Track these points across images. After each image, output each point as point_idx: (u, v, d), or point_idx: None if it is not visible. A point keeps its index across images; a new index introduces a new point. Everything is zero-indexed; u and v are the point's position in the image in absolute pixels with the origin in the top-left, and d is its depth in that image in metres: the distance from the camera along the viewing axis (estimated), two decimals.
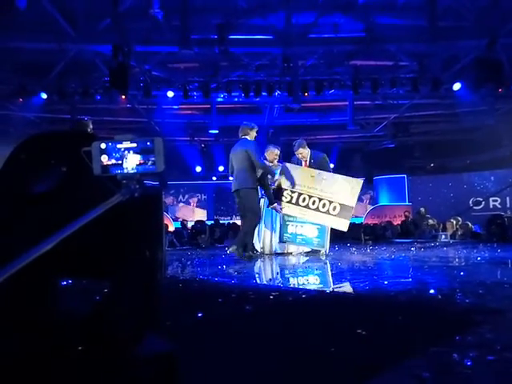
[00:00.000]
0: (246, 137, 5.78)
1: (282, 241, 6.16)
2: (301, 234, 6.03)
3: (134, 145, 1.04)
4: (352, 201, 5.67)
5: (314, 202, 5.85)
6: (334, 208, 5.68)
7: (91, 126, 5.18)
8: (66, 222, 0.96)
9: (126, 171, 1.04)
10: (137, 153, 1.04)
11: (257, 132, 5.93)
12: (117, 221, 1.04)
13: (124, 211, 1.03)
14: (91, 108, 11.98)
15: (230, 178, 6.09)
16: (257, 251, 5.94)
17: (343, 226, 5.73)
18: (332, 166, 9.87)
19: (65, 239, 1.00)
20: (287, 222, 6.21)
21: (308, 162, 6.18)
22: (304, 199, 5.92)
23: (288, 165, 6.18)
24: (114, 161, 1.04)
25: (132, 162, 1.04)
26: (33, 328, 0.96)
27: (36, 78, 10.60)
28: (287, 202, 6.04)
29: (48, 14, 8.28)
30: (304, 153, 6.21)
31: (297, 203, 5.97)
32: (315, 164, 6.10)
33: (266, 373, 1.42)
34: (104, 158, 1.04)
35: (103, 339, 0.98)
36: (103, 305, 1.05)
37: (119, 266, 1.01)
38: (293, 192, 6.04)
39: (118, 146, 1.05)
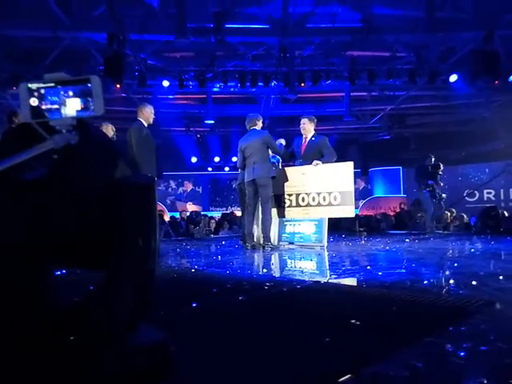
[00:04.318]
0: (255, 127, 5.88)
1: (280, 241, 6.17)
2: (299, 233, 6.02)
3: (68, 85, 0.92)
4: (349, 185, 5.63)
5: (313, 199, 5.82)
6: (335, 198, 5.65)
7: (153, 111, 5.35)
8: (57, 209, 0.95)
9: (59, 116, 0.91)
10: (72, 94, 0.92)
11: (262, 122, 6.05)
12: (110, 209, 1.02)
13: (117, 199, 1.02)
14: None
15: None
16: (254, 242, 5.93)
17: (349, 212, 5.69)
18: None
19: (57, 227, 0.98)
20: (285, 223, 6.21)
21: (308, 140, 6.10)
22: (303, 199, 5.91)
23: (277, 170, 6.16)
24: (46, 104, 0.91)
25: (66, 104, 0.91)
26: (22, 317, 0.95)
27: (30, 66, 10.47)
28: (288, 206, 6.05)
29: (41, 1, 8.16)
30: (306, 125, 6.11)
31: (297, 205, 5.96)
32: (314, 144, 6.03)
33: (259, 362, 1.42)
34: (34, 102, 0.92)
35: (96, 329, 0.97)
36: (95, 294, 1.04)
37: (112, 255, 1.00)
38: (290, 195, 6.04)
39: (49, 86, 0.92)
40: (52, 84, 0.93)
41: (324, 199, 5.73)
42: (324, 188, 5.74)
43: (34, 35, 9.44)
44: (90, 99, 0.92)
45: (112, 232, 1.01)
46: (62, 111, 0.92)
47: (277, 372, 1.34)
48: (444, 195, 9.05)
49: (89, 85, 0.92)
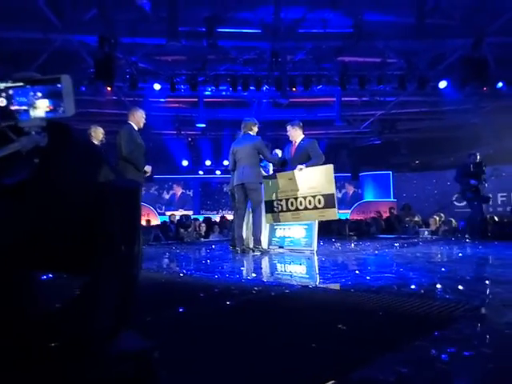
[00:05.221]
0: (250, 132, 5.94)
1: (270, 245, 6.18)
2: (289, 237, 6.06)
3: (38, 84, 0.89)
4: (330, 188, 5.64)
5: (301, 203, 5.86)
6: (319, 201, 5.68)
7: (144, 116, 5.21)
8: (38, 214, 0.94)
9: (27, 117, 0.88)
10: (41, 94, 0.88)
11: (258, 127, 6.07)
12: (93, 214, 1.02)
13: (100, 204, 1.02)
14: (76, 99, 11.66)
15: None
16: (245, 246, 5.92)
17: (333, 215, 5.70)
18: None
19: (38, 232, 0.98)
20: (275, 227, 6.26)
21: (297, 144, 6.12)
22: (292, 203, 5.94)
23: (266, 177, 6.22)
24: (14, 105, 0.88)
25: (35, 105, 0.88)
26: (2, 322, 0.94)
27: (19, 68, 10.38)
28: (279, 211, 6.08)
29: (33, 3, 8.11)
30: (291, 131, 6.15)
31: (287, 209, 6.00)
32: (302, 148, 6.04)
33: (246, 368, 1.42)
34: (1, 102, 0.89)
35: (77, 335, 0.96)
36: (77, 300, 1.03)
37: (94, 259, 0.99)
38: (280, 200, 6.08)
39: (18, 86, 0.89)
40: (21, 84, 0.90)
41: (310, 203, 5.76)
42: (309, 192, 5.77)
43: (24, 37, 9.36)
44: (60, 99, 0.89)
45: (95, 236, 1.00)
46: (31, 112, 0.89)
47: (262, 377, 1.34)
48: (490, 196, 7.98)
49: (59, 85, 0.89)
